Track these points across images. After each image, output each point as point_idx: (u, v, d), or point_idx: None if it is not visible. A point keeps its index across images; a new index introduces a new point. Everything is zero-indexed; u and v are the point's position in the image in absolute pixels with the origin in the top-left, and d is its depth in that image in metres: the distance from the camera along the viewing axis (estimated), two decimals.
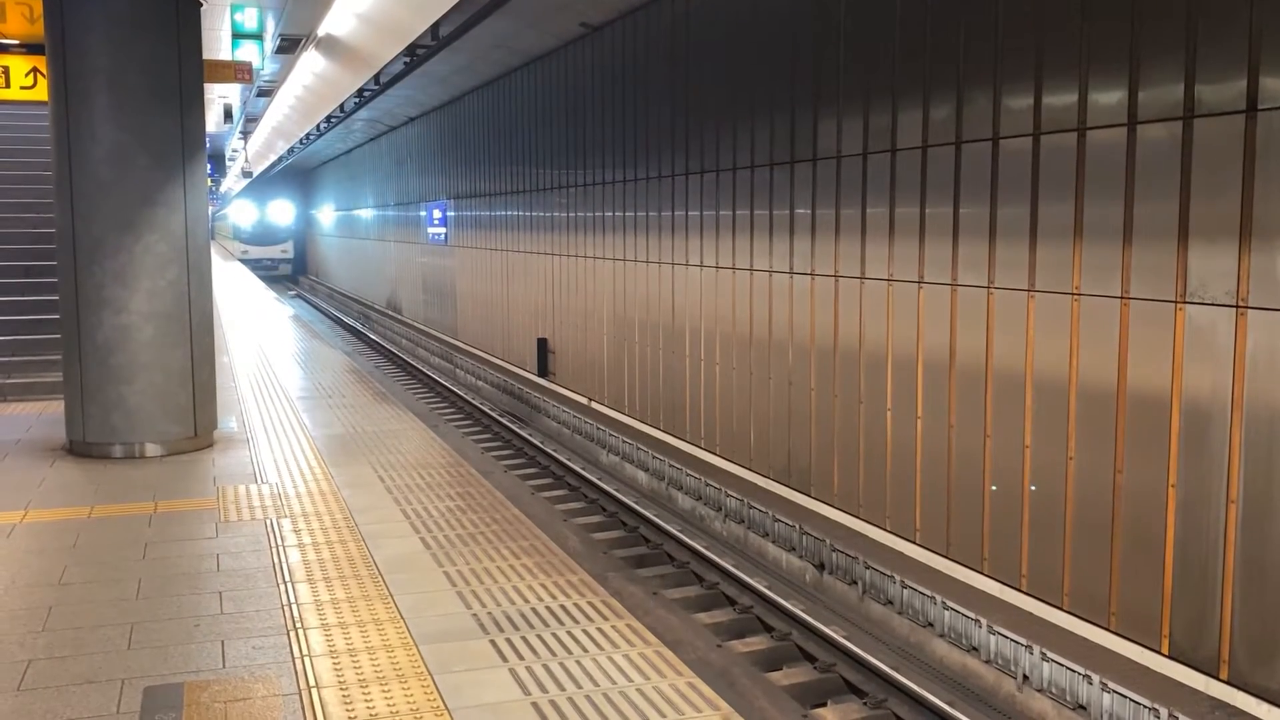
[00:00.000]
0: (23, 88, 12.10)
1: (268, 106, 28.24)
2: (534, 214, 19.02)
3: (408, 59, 16.75)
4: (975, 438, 8.39)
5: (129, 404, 8.06)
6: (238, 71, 10.50)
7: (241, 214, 53.76)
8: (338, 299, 41.93)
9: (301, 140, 31.72)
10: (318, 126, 27.54)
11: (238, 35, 13.93)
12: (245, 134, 37.54)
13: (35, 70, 12.10)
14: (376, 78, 18.44)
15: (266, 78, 21.96)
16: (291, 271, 54.15)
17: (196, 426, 8.35)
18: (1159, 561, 6.85)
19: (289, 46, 18.26)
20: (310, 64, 19.11)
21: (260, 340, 15.90)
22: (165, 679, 4.18)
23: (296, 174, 51.43)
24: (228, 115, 30.42)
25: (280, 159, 39.62)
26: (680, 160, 13.12)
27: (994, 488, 8.21)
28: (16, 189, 13.25)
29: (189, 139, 8.23)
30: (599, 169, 15.71)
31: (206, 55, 8.66)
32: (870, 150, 9.47)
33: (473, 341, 23.90)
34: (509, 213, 20.60)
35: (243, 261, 48.11)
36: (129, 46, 7.93)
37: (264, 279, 39.78)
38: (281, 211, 53.44)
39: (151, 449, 8.13)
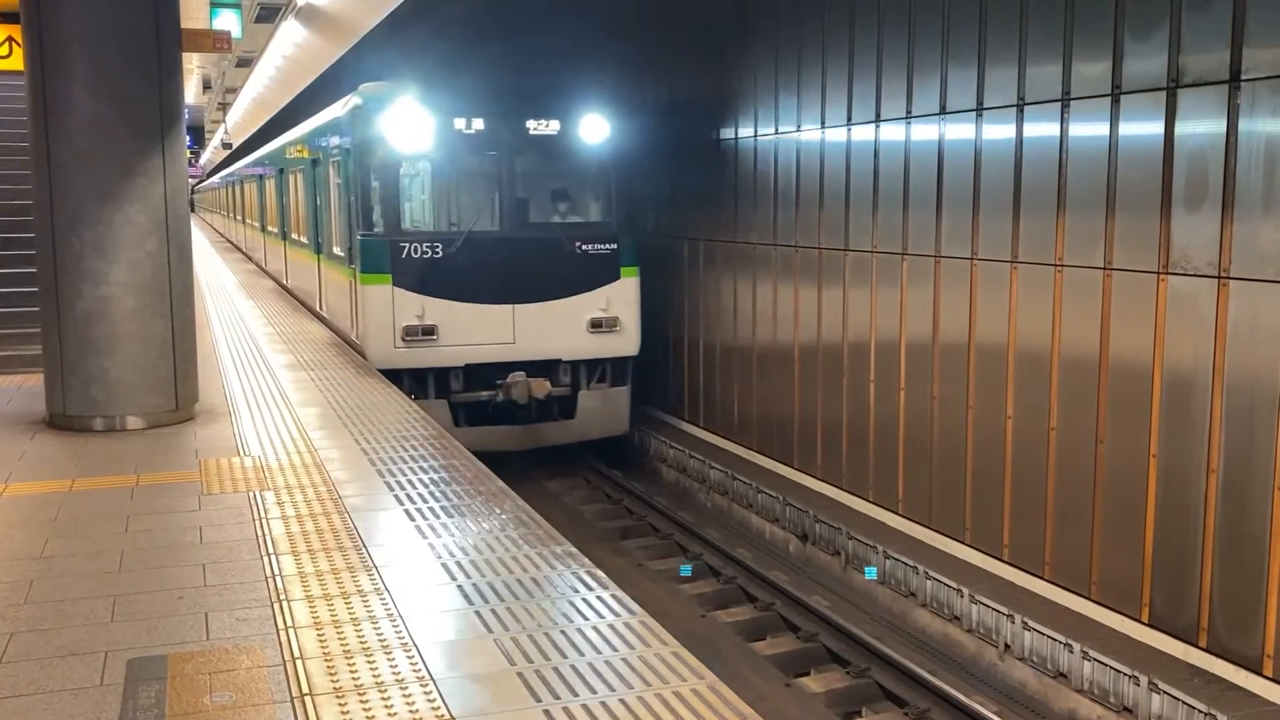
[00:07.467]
0: None
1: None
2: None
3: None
4: (958, 409, 8.41)
5: (109, 377, 8.00)
6: (216, 41, 10.35)
7: (402, 133, 11.12)
8: None
9: None
10: None
11: (216, 4, 13.77)
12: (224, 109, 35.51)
13: (10, 39, 11.91)
14: None
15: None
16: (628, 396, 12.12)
17: (178, 399, 8.29)
18: (1140, 531, 6.90)
19: (268, 15, 18.06)
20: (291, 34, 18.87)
21: (243, 312, 15.81)
22: (149, 651, 4.16)
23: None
24: (206, 86, 30.02)
25: None
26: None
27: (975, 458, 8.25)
28: None
29: (167, 109, 8.13)
30: None
31: (185, 24, 8.53)
32: (854, 122, 9.45)
33: None
34: None
35: (394, 376, 10.25)
36: (106, 14, 7.80)
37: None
38: (595, 128, 11.61)
39: (133, 422, 8.07)
